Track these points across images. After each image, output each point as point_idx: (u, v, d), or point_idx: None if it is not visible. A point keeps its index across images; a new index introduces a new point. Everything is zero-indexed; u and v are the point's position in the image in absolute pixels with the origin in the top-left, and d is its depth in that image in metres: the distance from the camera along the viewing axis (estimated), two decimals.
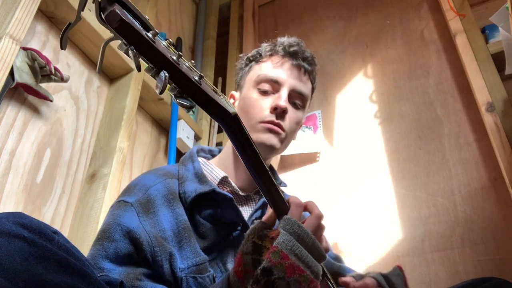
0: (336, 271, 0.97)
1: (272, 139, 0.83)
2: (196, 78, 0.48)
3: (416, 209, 1.36)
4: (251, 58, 0.96)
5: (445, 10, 1.58)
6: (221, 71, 2.05)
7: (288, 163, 1.66)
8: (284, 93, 0.86)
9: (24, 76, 1.05)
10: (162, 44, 0.46)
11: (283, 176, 1.61)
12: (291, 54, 0.91)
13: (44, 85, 1.13)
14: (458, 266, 1.22)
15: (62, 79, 1.16)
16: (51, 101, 1.16)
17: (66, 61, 1.29)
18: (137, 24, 0.43)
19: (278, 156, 1.66)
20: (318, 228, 0.63)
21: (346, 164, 1.56)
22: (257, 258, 0.57)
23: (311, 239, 0.60)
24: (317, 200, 1.57)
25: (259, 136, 0.83)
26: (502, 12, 1.25)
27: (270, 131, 0.84)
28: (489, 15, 1.32)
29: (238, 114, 0.54)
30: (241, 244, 0.61)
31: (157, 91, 0.44)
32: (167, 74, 0.44)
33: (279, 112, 0.84)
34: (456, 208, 1.30)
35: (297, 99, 0.89)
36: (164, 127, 1.73)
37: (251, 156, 0.58)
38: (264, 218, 0.64)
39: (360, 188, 1.49)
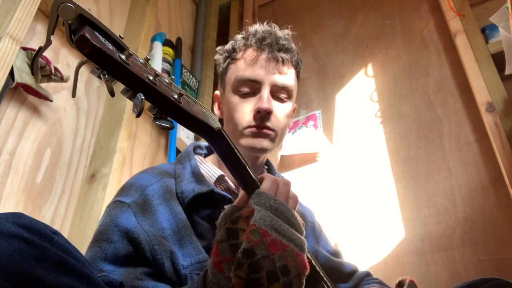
0: (336, 267, 0.96)
1: (262, 143, 0.82)
2: (176, 96, 0.46)
3: (416, 209, 1.36)
4: (227, 53, 0.91)
5: (445, 10, 1.58)
6: None
7: (288, 163, 1.66)
8: (265, 93, 0.82)
9: (24, 76, 1.05)
10: (138, 63, 0.44)
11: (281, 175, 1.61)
12: (265, 47, 0.86)
13: (44, 85, 1.13)
14: (458, 266, 1.22)
15: (62, 79, 1.16)
16: (51, 101, 1.16)
17: (66, 61, 1.29)
18: (109, 47, 0.40)
19: (278, 156, 1.66)
20: (290, 197, 0.60)
21: (346, 164, 1.56)
22: (234, 243, 0.53)
23: (289, 211, 0.56)
24: (317, 200, 1.58)
25: (248, 142, 0.82)
26: (502, 12, 1.25)
27: (258, 135, 0.81)
28: (489, 15, 1.32)
29: (221, 129, 0.52)
30: (216, 234, 0.57)
31: (134, 115, 0.42)
32: (143, 97, 0.42)
33: (263, 115, 0.81)
34: (456, 208, 1.30)
35: (281, 92, 0.85)
36: None
37: (239, 168, 0.56)
38: (235, 201, 0.61)
39: (360, 188, 1.49)
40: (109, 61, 0.40)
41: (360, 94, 1.68)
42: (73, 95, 0.44)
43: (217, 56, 0.95)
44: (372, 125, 1.59)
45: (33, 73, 0.42)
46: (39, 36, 1.20)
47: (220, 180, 0.84)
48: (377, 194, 1.45)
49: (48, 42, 0.41)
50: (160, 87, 0.44)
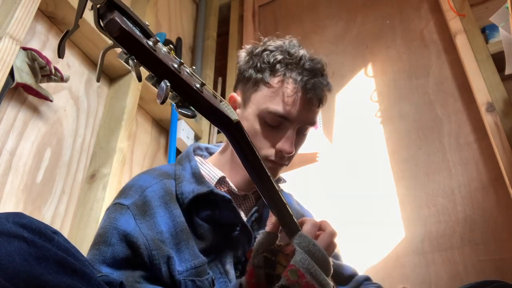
0: (335, 269, 0.96)
1: (273, 172, 0.83)
2: (198, 85, 0.47)
3: (416, 209, 1.36)
4: (259, 69, 0.82)
5: (445, 10, 1.58)
6: (221, 71, 2.05)
7: None
8: (291, 134, 0.80)
9: (24, 76, 1.05)
10: (162, 51, 0.44)
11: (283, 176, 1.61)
12: (307, 87, 0.80)
13: (44, 85, 1.13)
14: (458, 266, 1.22)
15: (62, 79, 1.16)
16: (51, 101, 1.16)
17: (66, 61, 1.29)
18: (137, 32, 0.41)
19: None
20: (331, 245, 0.66)
21: (346, 164, 1.56)
22: (270, 273, 0.61)
23: (324, 257, 0.62)
24: (317, 200, 1.57)
25: None
26: (502, 12, 1.25)
27: (273, 169, 0.82)
28: (489, 15, 1.32)
29: (240, 121, 0.53)
30: (251, 257, 0.65)
31: (158, 101, 0.43)
32: (168, 84, 0.43)
33: (284, 155, 0.80)
34: (456, 208, 1.30)
35: (305, 128, 0.84)
36: (164, 127, 1.73)
37: (253, 163, 0.57)
38: (268, 228, 0.66)
39: (360, 188, 1.49)
40: (137, 46, 0.41)
41: (360, 94, 1.68)
42: (98, 79, 0.44)
43: (242, 56, 0.88)
44: (372, 125, 1.59)
45: (59, 55, 0.42)
46: (39, 36, 1.20)
47: (221, 181, 0.84)
48: (377, 194, 1.45)
49: (76, 26, 0.42)
50: (183, 75, 0.45)
